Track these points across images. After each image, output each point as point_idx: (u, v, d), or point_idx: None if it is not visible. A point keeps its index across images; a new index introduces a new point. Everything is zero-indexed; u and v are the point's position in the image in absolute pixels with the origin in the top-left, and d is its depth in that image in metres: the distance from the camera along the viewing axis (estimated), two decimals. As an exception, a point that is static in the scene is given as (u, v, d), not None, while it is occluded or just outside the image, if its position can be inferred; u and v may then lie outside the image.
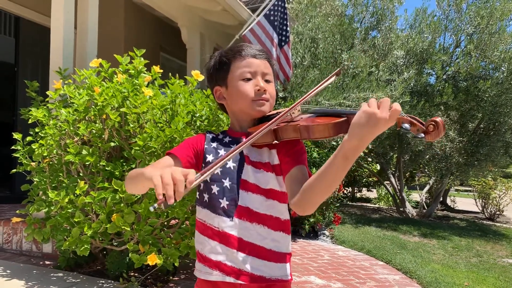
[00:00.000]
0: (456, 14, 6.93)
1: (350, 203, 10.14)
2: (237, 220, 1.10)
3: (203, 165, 1.17)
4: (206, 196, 1.16)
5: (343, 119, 0.96)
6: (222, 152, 1.17)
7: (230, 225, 1.10)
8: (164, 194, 0.81)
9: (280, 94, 5.55)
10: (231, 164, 1.14)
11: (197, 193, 1.21)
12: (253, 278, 1.09)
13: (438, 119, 0.84)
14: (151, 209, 0.84)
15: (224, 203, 1.12)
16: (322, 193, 0.96)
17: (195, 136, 1.25)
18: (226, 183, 1.13)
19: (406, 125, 0.86)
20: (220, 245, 1.11)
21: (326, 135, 0.99)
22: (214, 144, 1.20)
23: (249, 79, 1.15)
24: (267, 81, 1.17)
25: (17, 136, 2.80)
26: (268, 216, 1.12)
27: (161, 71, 2.91)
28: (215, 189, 1.14)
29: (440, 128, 0.84)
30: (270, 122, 1.05)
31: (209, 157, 1.17)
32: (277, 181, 1.13)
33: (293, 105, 1.08)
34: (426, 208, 8.34)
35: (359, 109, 0.88)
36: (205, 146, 1.19)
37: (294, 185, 1.04)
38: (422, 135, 0.85)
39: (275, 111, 1.19)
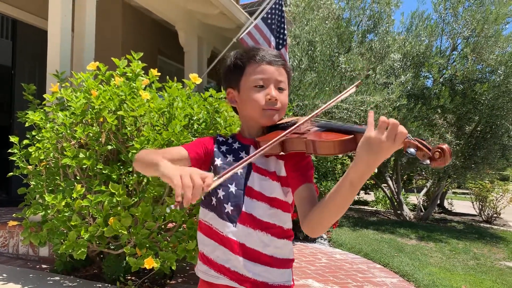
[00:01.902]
0: (452, 17, 6.97)
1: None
2: (241, 226, 1.10)
3: (211, 167, 1.18)
4: (214, 200, 1.16)
5: (350, 137, 0.93)
6: (230, 157, 1.17)
7: (233, 231, 1.10)
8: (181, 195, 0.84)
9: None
10: (238, 170, 1.14)
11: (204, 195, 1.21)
12: (256, 284, 1.09)
13: (445, 146, 0.82)
14: (168, 210, 0.86)
15: (228, 208, 1.12)
16: (331, 218, 0.96)
17: (206, 137, 1.25)
18: (232, 188, 1.13)
19: (412, 150, 0.84)
20: (224, 249, 1.11)
21: (332, 152, 0.97)
22: (223, 148, 1.20)
23: (261, 86, 1.13)
24: (280, 89, 1.15)
25: (14, 139, 2.79)
26: (271, 224, 1.12)
27: (159, 74, 2.91)
28: (220, 193, 1.14)
29: (446, 156, 0.82)
30: (282, 134, 1.03)
31: (218, 161, 1.17)
32: (282, 190, 1.12)
33: (305, 118, 1.06)
34: (423, 211, 8.35)
35: (366, 128, 0.87)
36: (215, 148, 1.20)
37: (304, 206, 1.04)
38: (428, 161, 0.84)
39: (284, 120, 1.18)
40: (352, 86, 1.09)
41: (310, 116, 1.06)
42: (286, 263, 1.14)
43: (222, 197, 1.13)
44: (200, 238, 1.19)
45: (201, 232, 1.19)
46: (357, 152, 0.87)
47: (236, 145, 1.21)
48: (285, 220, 1.14)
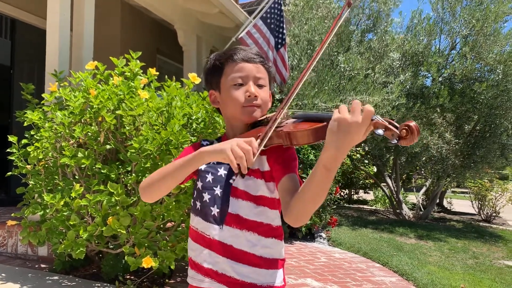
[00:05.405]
0: (451, 17, 6.97)
1: (347, 205, 10.15)
2: (227, 227, 1.10)
3: (198, 172, 1.18)
4: (198, 204, 1.16)
5: (323, 124, 0.93)
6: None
7: (220, 233, 1.10)
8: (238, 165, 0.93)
9: (277, 96, 5.55)
10: (222, 172, 1.14)
11: (192, 200, 1.21)
12: (243, 286, 1.08)
13: (412, 123, 0.81)
14: (231, 181, 1.03)
15: (215, 210, 1.12)
16: (310, 205, 0.94)
17: (192, 145, 1.25)
18: (217, 190, 1.13)
19: (379, 131, 0.84)
20: (211, 252, 1.10)
21: (306, 141, 0.97)
22: None
23: (240, 84, 1.14)
24: (260, 86, 1.15)
25: (12, 138, 2.79)
26: (258, 222, 1.11)
27: (157, 73, 2.91)
28: (206, 197, 1.14)
29: (414, 133, 0.81)
30: (267, 127, 1.03)
31: (202, 165, 1.16)
32: (267, 187, 1.11)
33: (281, 108, 1.05)
34: (422, 210, 8.36)
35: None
36: None
37: (286, 196, 1.02)
38: (395, 141, 0.83)
39: (266, 116, 1.18)
40: (344, 7, 1.05)
41: (285, 101, 1.04)
42: (275, 263, 1.13)
43: (208, 200, 1.13)
44: (189, 243, 1.19)
45: (190, 238, 1.19)
46: (327, 136, 0.85)
47: None
48: (273, 218, 1.13)
